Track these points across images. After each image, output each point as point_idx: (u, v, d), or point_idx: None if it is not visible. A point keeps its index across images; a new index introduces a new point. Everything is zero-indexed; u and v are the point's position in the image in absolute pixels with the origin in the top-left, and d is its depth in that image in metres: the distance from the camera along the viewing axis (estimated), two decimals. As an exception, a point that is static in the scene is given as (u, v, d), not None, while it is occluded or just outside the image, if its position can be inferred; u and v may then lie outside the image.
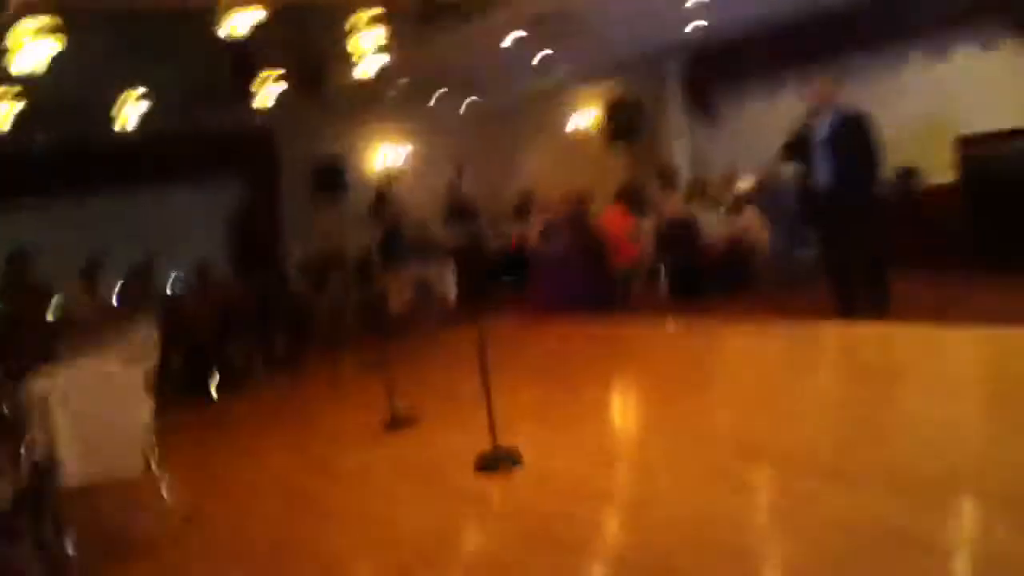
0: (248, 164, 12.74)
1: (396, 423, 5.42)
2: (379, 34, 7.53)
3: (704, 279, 8.77)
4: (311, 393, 7.79)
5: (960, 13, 8.54)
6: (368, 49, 7.92)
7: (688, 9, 9.16)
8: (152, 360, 4.30)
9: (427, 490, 4.18)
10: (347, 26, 7.40)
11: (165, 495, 4.32)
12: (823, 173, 6.43)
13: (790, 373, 5.59)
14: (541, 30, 8.64)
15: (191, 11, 6.16)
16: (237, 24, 6.15)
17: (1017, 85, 8.32)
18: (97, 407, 3.88)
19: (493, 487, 4.02)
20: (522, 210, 10.74)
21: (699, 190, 9.76)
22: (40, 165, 10.14)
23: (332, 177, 12.63)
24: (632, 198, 9.57)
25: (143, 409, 4.15)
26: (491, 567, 3.16)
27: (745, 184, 9.32)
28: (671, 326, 7.87)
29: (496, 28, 8.48)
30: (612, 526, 3.43)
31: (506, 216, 12.86)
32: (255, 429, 6.49)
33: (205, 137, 11.79)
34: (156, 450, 4.28)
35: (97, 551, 3.95)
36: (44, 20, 5.67)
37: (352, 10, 7.09)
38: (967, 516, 2.94)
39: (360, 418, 5.84)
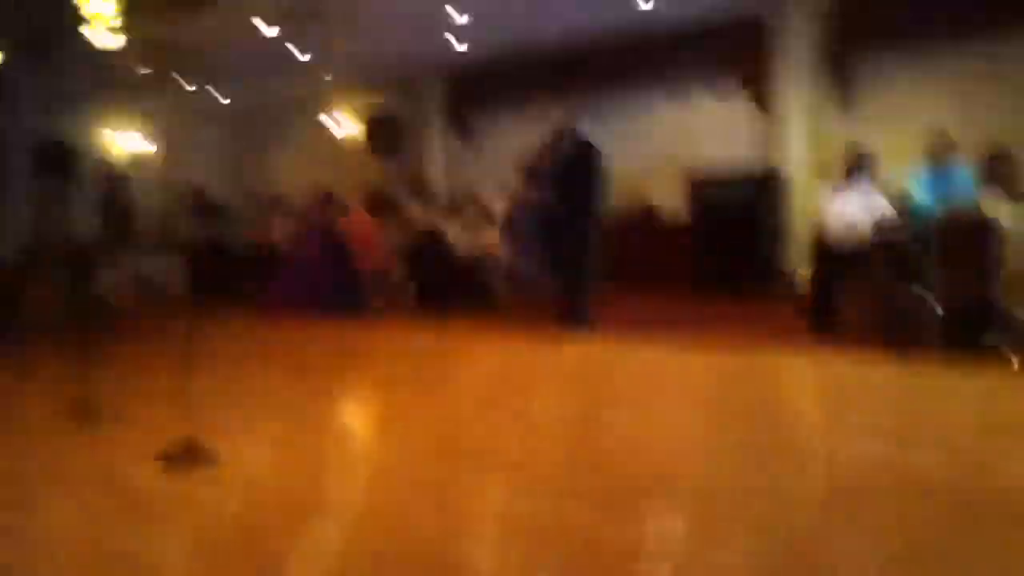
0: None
1: (80, 413, 4.77)
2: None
3: (449, 291, 8.73)
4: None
5: (701, 66, 9.26)
6: (106, 13, 7.22)
7: (452, 30, 9.22)
8: None
9: (95, 488, 3.66)
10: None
11: None
12: (555, 197, 6.87)
13: (510, 384, 5.62)
14: (296, 29, 8.30)
15: None
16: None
17: (744, 131, 9.14)
18: None
19: (175, 487, 3.58)
20: (272, 210, 10.22)
21: (451, 206, 9.79)
22: None
23: (58, 157, 11.41)
24: (377, 205, 9.40)
25: None
26: None
27: (498, 204, 9.42)
28: (411, 333, 7.73)
29: (245, 18, 8.00)
30: (310, 536, 3.12)
31: (256, 216, 12.23)
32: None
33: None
34: None
35: None
36: None
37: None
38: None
39: (43, 407, 5.12)
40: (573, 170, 6.74)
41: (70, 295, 7.85)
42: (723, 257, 8.29)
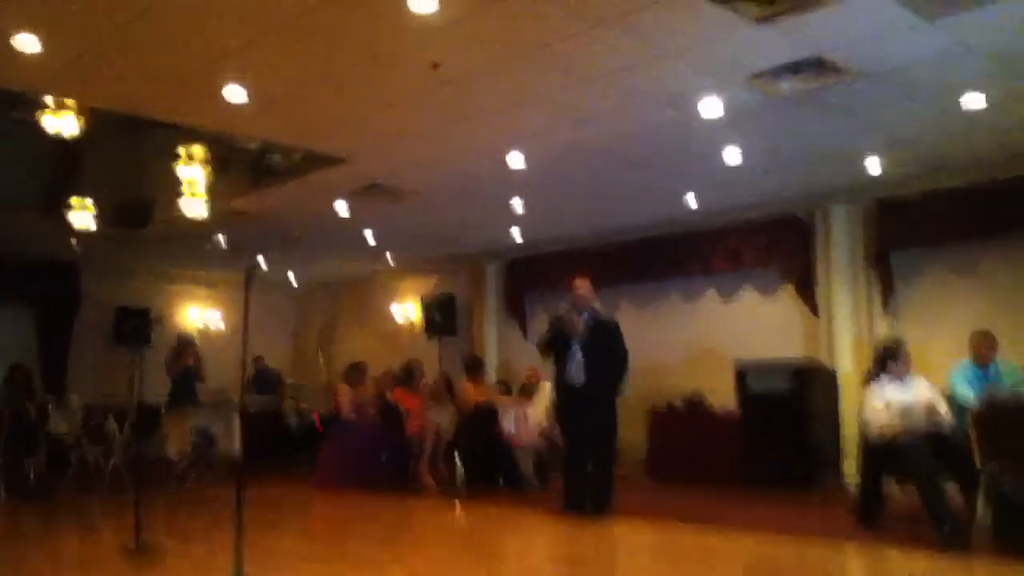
0: (43, 296, 12.22)
1: (139, 554, 5.01)
2: (205, 175, 7.61)
3: (498, 468, 8.87)
4: (57, 524, 7.21)
5: (747, 261, 9.72)
6: (198, 186, 7.98)
7: (510, 217, 9.90)
8: None
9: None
10: (181, 156, 7.39)
11: None
12: (575, 370, 6.79)
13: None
14: (368, 204, 9.00)
15: (8, 101, 5.93)
16: (59, 126, 6.05)
17: (791, 325, 9.45)
18: None
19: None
20: (347, 378, 10.60)
21: (504, 385, 10.08)
22: None
23: (135, 323, 12.20)
24: (408, 379, 9.71)
25: None
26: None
27: (546, 385, 9.65)
28: (450, 509, 7.84)
29: (324, 193, 8.74)
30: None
31: (312, 389, 12.79)
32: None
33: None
34: None
35: None
36: None
37: (186, 141, 7.10)
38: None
39: (101, 544, 5.37)
40: (598, 345, 6.79)
41: (131, 451, 8.21)
42: (771, 449, 8.32)
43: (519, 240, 11.01)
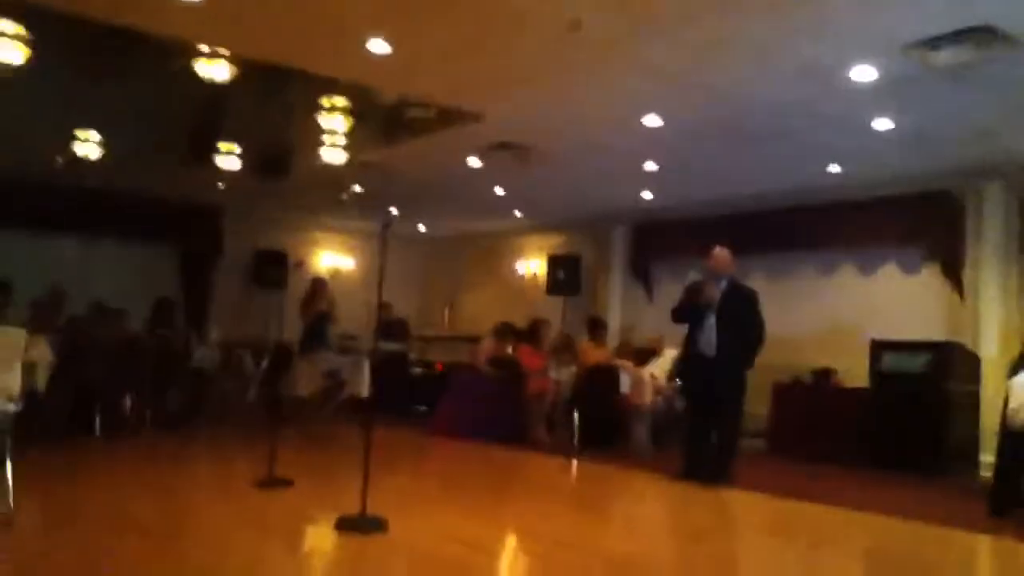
0: (188, 237, 12.98)
1: (269, 483, 5.38)
2: (346, 124, 7.87)
3: (614, 430, 8.97)
4: (194, 451, 7.90)
5: (888, 236, 9.33)
6: (338, 135, 8.30)
7: (641, 179, 9.83)
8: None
9: (282, 543, 4.16)
10: (323, 106, 7.66)
11: (11, 502, 4.25)
12: (707, 339, 6.73)
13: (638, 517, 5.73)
14: (499, 162, 9.12)
15: (164, 50, 6.29)
16: (211, 73, 6.39)
17: (932, 305, 9.06)
18: None
19: (350, 546, 4.01)
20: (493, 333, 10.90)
21: (625, 348, 10.10)
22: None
23: (273, 266, 12.85)
24: (533, 337, 9.91)
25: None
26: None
27: (670, 351, 9.62)
28: (566, 464, 7.98)
29: (457, 149, 8.91)
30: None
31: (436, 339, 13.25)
32: (129, 472, 6.31)
33: (148, 198, 12.07)
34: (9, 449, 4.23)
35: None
36: (14, 26, 5.84)
37: (328, 92, 7.36)
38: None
39: (235, 475, 5.80)
40: (733, 314, 6.70)
41: (266, 388, 8.70)
42: (902, 432, 8.06)
43: (649, 200, 10.91)
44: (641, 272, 12.27)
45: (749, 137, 7.87)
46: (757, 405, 8.88)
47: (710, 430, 6.77)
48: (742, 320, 6.72)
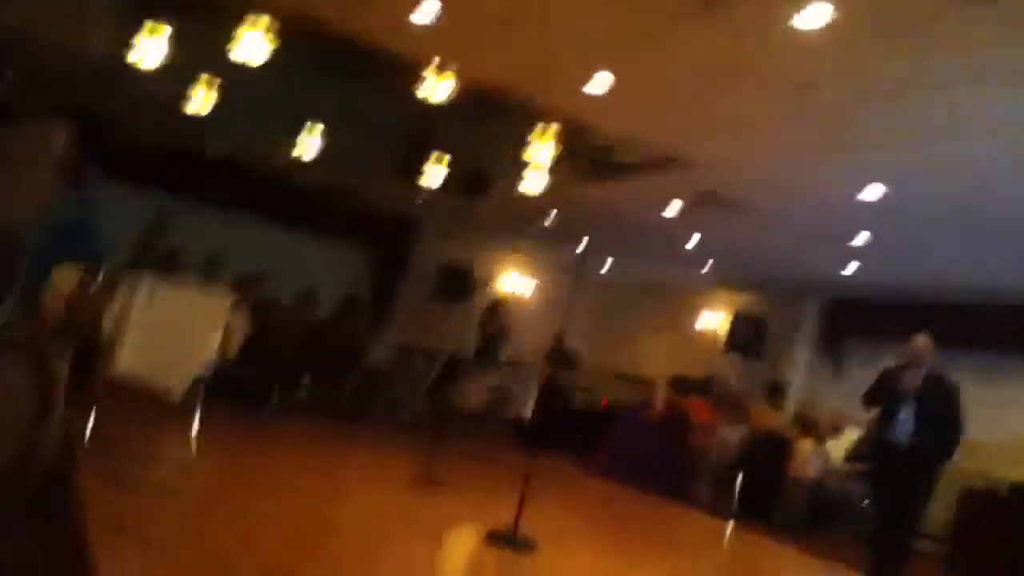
0: (383, 240, 13.71)
1: (426, 484, 5.62)
2: (553, 152, 8.07)
3: (777, 501, 8.68)
4: (358, 441, 8.41)
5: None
6: (542, 163, 8.53)
7: (850, 251, 9.48)
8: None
9: (430, 544, 4.34)
10: (529, 135, 7.91)
11: (192, 448, 4.66)
12: (902, 429, 6.40)
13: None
14: (700, 212, 9.08)
15: (392, 63, 6.70)
16: (433, 90, 6.74)
17: None
18: (169, 318, 4.31)
19: (498, 560, 4.13)
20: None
21: (804, 421, 9.76)
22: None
23: (457, 281, 13.37)
24: (706, 391, 9.92)
25: (205, 341, 4.56)
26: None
27: (851, 433, 9.25)
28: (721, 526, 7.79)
29: (661, 193, 8.94)
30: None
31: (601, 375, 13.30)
32: (295, 450, 6.74)
33: (351, 200, 12.80)
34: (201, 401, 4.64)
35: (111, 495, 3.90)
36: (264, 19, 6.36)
37: (536, 122, 7.59)
38: None
39: (394, 470, 6.09)
40: (932, 406, 6.37)
41: (432, 394, 9.05)
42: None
43: (852, 275, 10.48)
44: (831, 347, 11.79)
45: (979, 223, 7.40)
46: (938, 507, 8.32)
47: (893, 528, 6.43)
48: (941, 414, 6.36)
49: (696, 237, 10.80)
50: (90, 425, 4.11)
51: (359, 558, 3.74)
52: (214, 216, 11.21)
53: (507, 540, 4.27)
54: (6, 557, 1.26)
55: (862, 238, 8.82)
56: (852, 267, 10.26)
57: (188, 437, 4.80)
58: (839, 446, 8.76)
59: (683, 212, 9.37)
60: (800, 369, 12.09)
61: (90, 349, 4.10)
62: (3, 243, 1.68)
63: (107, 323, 4.13)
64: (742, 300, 13.20)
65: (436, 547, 4.37)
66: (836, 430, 9.13)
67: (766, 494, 8.78)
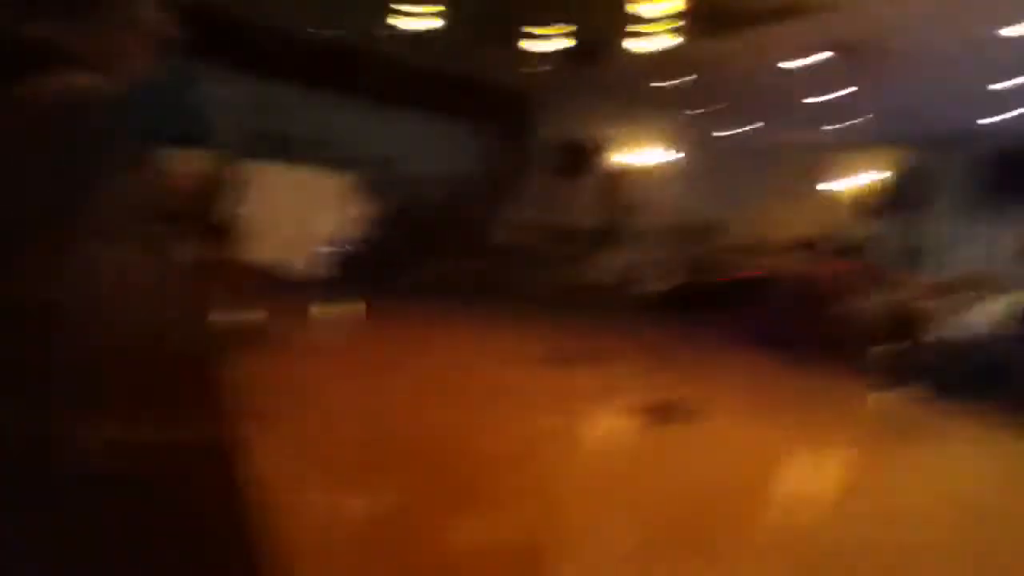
0: (497, 117, 13.38)
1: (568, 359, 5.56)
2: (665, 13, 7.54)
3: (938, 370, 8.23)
4: (487, 319, 8.25)
5: None
6: (656, 23, 8.00)
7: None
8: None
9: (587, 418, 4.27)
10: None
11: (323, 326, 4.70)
12: None
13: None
14: (846, 62, 8.40)
15: None
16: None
17: None
18: (290, 201, 4.32)
19: (656, 430, 4.03)
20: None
21: (954, 284, 9.18)
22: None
23: (577, 155, 13.03)
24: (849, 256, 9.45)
25: (324, 219, 4.57)
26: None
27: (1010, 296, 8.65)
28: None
29: (795, 43, 8.30)
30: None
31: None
32: (423, 329, 6.70)
33: (461, 77, 12.46)
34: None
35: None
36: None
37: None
38: None
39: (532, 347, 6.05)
40: None
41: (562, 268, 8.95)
42: None
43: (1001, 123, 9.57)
44: (983, 205, 11.00)
45: None
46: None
47: None
48: None
49: (832, 93, 10.10)
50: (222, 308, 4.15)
51: (510, 435, 3.71)
52: (327, 100, 11.08)
53: (664, 411, 4.15)
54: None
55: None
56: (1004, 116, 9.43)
57: (316, 315, 4.85)
58: (993, 309, 8.20)
59: (821, 64, 8.70)
60: (949, 229, 11.37)
61: (218, 232, 4.13)
62: (104, 114, 1.56)
63: (231, 206, 4.14)
64: (885, 159, 12.38)
65: (590, 423, 4.29)
66: (990, 291, 8.56)
67: (923, 361, 8.33)
